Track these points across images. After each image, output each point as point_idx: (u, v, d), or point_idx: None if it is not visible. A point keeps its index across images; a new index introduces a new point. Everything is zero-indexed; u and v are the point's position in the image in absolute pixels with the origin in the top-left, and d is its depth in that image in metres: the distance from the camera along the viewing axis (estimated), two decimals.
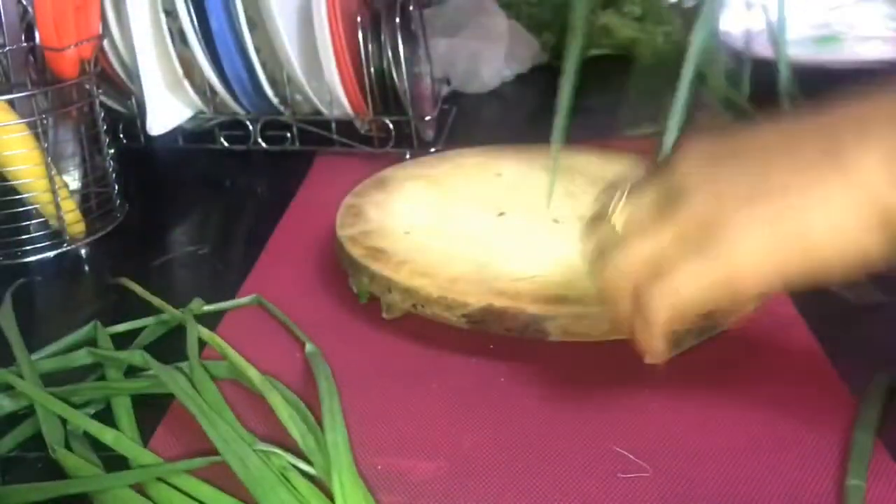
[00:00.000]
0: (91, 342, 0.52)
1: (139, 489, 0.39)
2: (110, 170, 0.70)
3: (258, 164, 0.84)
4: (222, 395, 0.44)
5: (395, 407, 0.46)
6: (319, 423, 0.41)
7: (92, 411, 0.46)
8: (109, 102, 0.81)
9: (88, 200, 0.69)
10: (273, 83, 0.78)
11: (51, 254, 0.65)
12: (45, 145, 0.63)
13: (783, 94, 0.66)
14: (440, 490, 0.40)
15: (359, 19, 0.75)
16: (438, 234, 0.55)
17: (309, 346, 0.50)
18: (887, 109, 0.32)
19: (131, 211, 0.73)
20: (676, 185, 0.36)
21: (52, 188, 0.64)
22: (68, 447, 0.42)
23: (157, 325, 0.54)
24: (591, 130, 0.86)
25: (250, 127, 0.82)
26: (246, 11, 0.73)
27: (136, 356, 0.48)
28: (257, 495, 0.37)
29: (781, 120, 0.37)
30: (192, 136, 0.84)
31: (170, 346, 0.51)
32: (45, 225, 0.66)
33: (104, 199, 0.70)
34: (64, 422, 0.44)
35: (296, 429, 0.41)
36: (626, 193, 0.39)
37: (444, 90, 0.87)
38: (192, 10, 0.74)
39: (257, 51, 0.76)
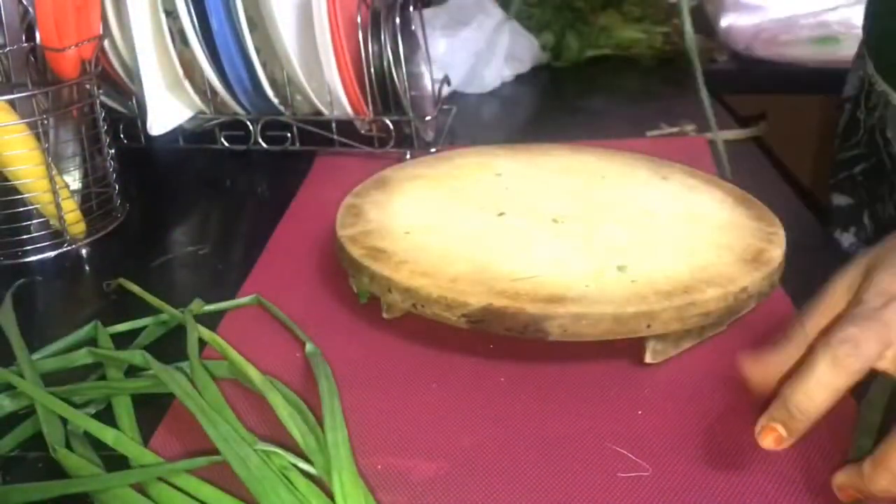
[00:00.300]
0: (91, 342, 0.52)
1: (140, 489, 0.39)
2: (111, 170, 0.70)
3: (258, 164, 0.84)
4: (223, 395, 0.44)
5: (395, 407, 0.46)
6: (320, 422, 0.41)
7: (92, 411, 0.46)
8: (110, 102, 0.81)
9: (89, 200, 0.69)
10: (273, 83, 0.78)
11: (51, 254, 0.65)
12: (46, 145, 0.63)
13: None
14: (440, 490, 0.40)
15: (359, 19, 0.75)
16: (438, 234, 0.55)
17: (309, 346, 0.50)
18: None
19: (131, 211, 0.73)
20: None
21: (53, 188, 0.64)
22: (69, 447, 0.42)
23: (158, 325, 0.54)
24: (591, 130, 0.87)
25: (250, 127, 0.82)
26: (246, 11, 0.74)
27: (136, 356, 0.48)
28: (258, 495, 0.37)
29: None
30: (192, 137, 0.85)
31: (170, 346, 0.51)
32: (45, 225, 0.66)
33: (104, 200, 0.70)
34: (64, 421, 0.44)
35: (296, 428, 0.41)
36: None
37: (444, 90, 0.87)
38: (192, 11, 0.74)
39: (257, 51, 0.76)
